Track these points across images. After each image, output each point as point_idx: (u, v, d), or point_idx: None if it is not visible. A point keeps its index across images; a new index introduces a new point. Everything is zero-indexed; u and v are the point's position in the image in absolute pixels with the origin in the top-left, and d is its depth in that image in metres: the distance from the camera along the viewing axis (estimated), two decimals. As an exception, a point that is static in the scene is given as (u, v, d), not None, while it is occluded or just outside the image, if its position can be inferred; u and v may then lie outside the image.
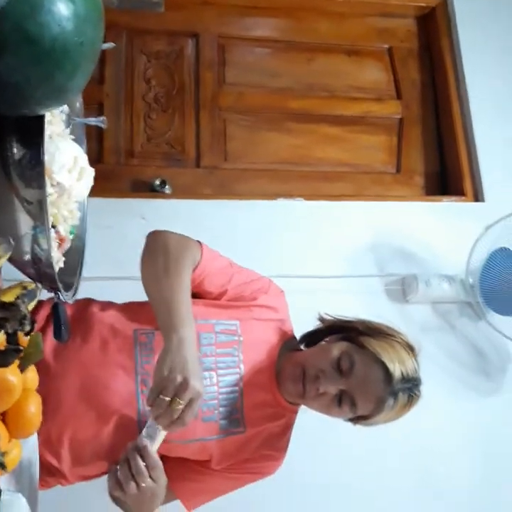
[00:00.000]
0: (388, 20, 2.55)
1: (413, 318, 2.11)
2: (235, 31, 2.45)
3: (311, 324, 1.24)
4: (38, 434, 1.01)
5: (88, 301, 1.20)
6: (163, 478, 1.00)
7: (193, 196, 2.19)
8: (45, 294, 1.05)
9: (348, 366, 1.08)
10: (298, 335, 1.26)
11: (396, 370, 1.07)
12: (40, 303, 1.15)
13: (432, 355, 2.02)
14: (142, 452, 0.96)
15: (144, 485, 0.96)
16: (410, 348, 1.13)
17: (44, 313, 1.12)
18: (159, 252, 1.11)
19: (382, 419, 1.11)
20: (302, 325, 1.25)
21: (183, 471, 1.17)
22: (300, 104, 2.41)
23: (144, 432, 0.97)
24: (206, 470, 1.17)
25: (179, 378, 0.90)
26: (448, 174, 2.44)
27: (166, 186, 2.21)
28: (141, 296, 1.13)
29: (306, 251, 2.10)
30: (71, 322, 1.11)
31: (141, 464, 0.95)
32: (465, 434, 2.04)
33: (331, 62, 2.47)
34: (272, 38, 2.48)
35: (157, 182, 2.20)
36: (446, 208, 2.29)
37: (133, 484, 0.96)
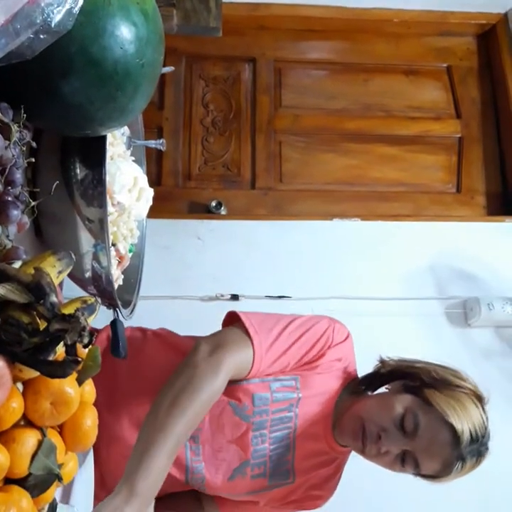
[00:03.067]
0: (447, 39, 2.51)
1: (475, 343, 2.03)
2: (291, 55, 2.48)
3: (368, 349, 1.18)
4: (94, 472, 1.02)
5: (142, 337, 1.16)
6: None
7: (248, 217, 2.21)
8: (101, 322, 1.04)
9: (412, 427, 1.00)
10: (357, 357, 1.20)
11: (465, 432, 0.99)
12: (96, 331, 1.17)
13: (495, 381, 1.94)
14: None
15: None
16: (479, 399, 1.05)
17: (98, 343, 1.13)
18: (180, 380, 0.94)
19: (448, 480, 1.04)
20: (358, 350, 1.21)
21: (234, 504, 1.17)
22: (356, 124, 2.40)
23: None
24: (254, 507, 1.17)
25: None
26: (510, 194, 2.36)
27: (222, 207, 2.24)
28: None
29: (362, 272, 2.07)
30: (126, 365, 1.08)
31: None
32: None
33: (388, 82, 2.46)
34: (327, 60, 2.49)
35: (213, 203, 2.24)
36: (509, 228, 2.21)
37: None
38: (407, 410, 1.02)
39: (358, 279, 2.05)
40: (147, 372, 1.10)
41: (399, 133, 2.40)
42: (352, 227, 2.17)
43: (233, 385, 1.04)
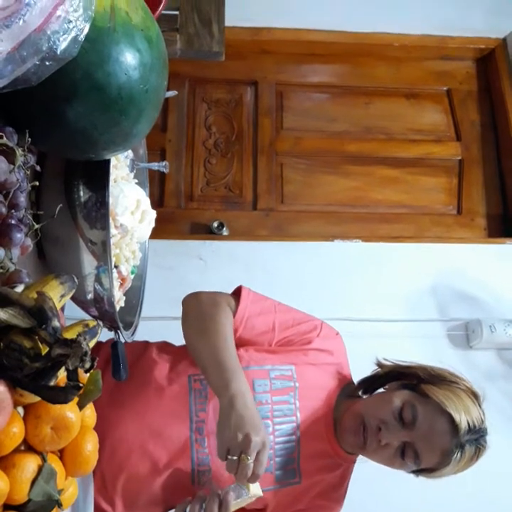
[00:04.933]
0: (446, 63, 2.55)
1: (477, 365, 2.02)
2: (293, 78, 2.51)
3: (370, 369, 1.20)
4: (93, 479, 1.02)
5: (145, 346, 1.20)
6: None
7: (249, 238, 2.22)
8: (103, 336, 1.06)
9: (410, 417, 1.03)
10: (356, 379, 1.22)
11: (462, 421, 1.01)
12: (98, 345, 1.17)
13: (497, 403, 1.93)
14: (222, 502, 0.93)
15: None
16: (475, 396, 1.07)
17: (102, 355, 1.14)
18: (194, 315, 1.12)
19: (448, 472, 1.05)
20: (360, 370, 1.21)
21: None
22: (357, 147, 2.42)
23: (232, 486, 0.95)
24: None
25: (240, 436, 0.89)
26: (511, 216, 2.37)
27: (224, 228, 2.25)
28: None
29: (364, 293, 2.06)
30: (128, 368, 1.11)
31: (216, 510, 0.93)
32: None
33: (389, 105, 2.48)
34: (329, 83, 2.52)
35: (215, 224, 2.25)
36: (510, 250, 2.21)
37: None
38: (405, 403, 1.05)
39: (359, 300, 2.05)
40: (149, 374, 1.12)
41: (400, 155, 2.42)
42: (353, 248, 2.17)
43: None
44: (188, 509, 0.95)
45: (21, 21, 0.58)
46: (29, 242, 0.74)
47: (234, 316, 1.11)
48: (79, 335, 0.55)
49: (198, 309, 1.12)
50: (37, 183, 0.79)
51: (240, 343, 1.13)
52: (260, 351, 1.14)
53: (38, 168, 0.76)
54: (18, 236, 0.70)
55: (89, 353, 0.56)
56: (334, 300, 2.02)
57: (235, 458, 0.88)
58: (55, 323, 0.56)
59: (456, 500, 1.84)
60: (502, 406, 1.96)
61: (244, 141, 2.41)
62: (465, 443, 1.01)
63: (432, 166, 2.42)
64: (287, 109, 2.46)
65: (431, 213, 2.38)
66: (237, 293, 1.17)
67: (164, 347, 1.20)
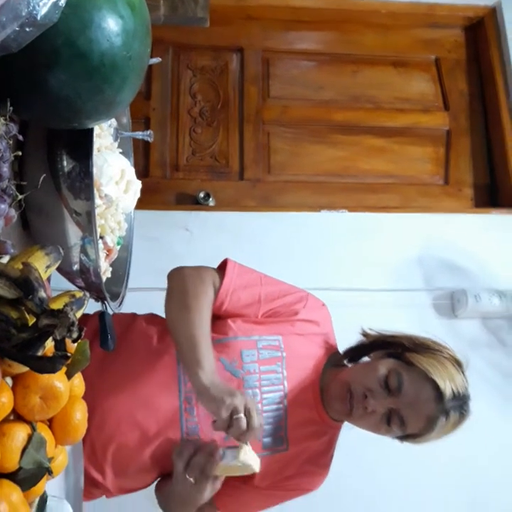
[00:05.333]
0: (435, 30, 2.51)
1: (462, 334, 2.06)
2: (280, 45, 2.47)
3: (355, 339, 1.22)
4: (83, 447, 1.03)
5: (133, 317, 1.21)
6: (207, 491, 1.02)
7: (236, 208, 2.21)
8: (90, 308, 1.06)
9: (396, 384, 1.05)
10: (341, 349, 1.24)
11: (447, 388, 1.03)
12: (86, 317, 1.17)
13: (482, 372, 1.96)
14: (211, 460, 0.98)
15: (188, 477, 0.99)
16: (458, 363, 1.10)
17: (89, 326, 1.14)
18: (177, 291, 1.12)
19: (432, 438, 1.08)
20: (346, 339, 1.23)
21: (225, 487, 1.16)
22: (345, 116, 2.40)
23: (224, 449, 0.99)
24: (247, 487, 1.16)
25: (238, 395, 0.93)
26: (498, 186, 2.38)
27: (210, 199, 2.24)
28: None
29: (350, 263, 2.08)
30: (117, 339, 1.12)
31: (201, 462, 0.98)
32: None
33: (377, 73, 2.46)
34: (316, 50, 2.49)
35: (201, 195, 2.23)
36: (496, 220, 2.23)
37: (182, 465, 1.00)
38: (391, 371, 1.07)
39: (345, 270, 2.06)
40: (138, 345, 1.14)
41: (387, 125, 2.40)
42: (340, 218, 2.17)
43: (222, 342, 1.10)
44: (183, 449, 1.02)
45: (-1, -15, 0.57)
46: (13, 213, 0.74)
47: (219, 290, 1.12)
48: (66, 305, 0.55)
49: (181, 286, 1.12)
50: (20, 153, 0.78)
51: (227, 316, 1.14)
52: (248, 322, 1.15)
53: (20, 137, 0.75)
54: (2, 207, 0.70)
55: (77, 323, 0.56)
56: (321, 270, 2.03)
57: (241, 415, 0.91)
58: (42, 293, 0.56)
59: (440, 466, 1.89)
60: (486, 374, 2.00)
61: (230, 109, 2.38)
62: (449, 409, 1.04)
63: (419, 136, 2.41)
64: (274, 77, 2.42)
65: (418, 183, 2.38)
66: (222, 266, 1.17)
67: (152, 319, 1.21)
